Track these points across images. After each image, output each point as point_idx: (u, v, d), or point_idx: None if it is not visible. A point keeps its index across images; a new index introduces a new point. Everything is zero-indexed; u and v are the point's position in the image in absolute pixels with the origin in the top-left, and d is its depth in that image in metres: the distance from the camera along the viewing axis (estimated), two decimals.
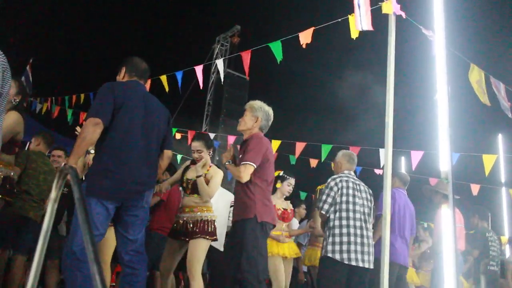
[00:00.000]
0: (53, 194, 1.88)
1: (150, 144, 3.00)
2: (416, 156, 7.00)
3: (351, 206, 3.82)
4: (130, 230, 2.88)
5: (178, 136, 9.11)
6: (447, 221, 3.05)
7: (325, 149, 7.22)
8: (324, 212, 3.88)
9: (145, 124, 2.98)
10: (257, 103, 3.69)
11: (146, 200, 2.97)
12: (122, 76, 3.20)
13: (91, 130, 2.72)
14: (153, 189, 3.13)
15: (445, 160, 3.01)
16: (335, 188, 3.90)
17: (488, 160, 6.54)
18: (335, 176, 4.04)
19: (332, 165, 4.49)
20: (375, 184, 4.94)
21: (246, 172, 3.37)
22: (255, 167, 3.39)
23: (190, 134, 8.91)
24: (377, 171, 8.40)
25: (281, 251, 4.80)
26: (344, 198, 3.85)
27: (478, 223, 5.93)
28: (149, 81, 6.43)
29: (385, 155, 3.52)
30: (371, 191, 4.10)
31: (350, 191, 3.88)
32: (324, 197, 3.91)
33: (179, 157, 9.42)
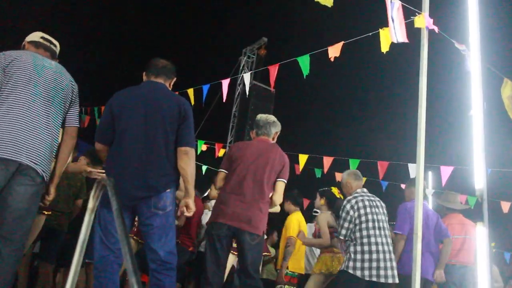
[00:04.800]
0: (91, 204, 1.91)
1: (156, 146, 2.84)
2: (446, 171, 6.85)
3: (370, 224, 3.84)
4: (149, 240, 2.82)
5: (204, 147, 9.17)
6: (482, 240, 2.97)
7: (353, 164, 7.13)
8: (342, 238, 3.94)
9: (147, 125, 2.86)
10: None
11: (155, 205, 2.79)
12: (144, 80, 3.17)
13: (97, 152, 3.05)
14: (165, 194, 2.83)
15: (480, 178, 2.94)
16: (352, 212, 3.92)
17: None
18: (349, 197, 4.05)
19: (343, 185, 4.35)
20: (401, 200, 4.86)
21: (216, 179, 3.58)
22: (225, 172, 3.51)
23: (217, 146, 8.97)
24: (404, 186, 8.24)
25: None
26: (363, 218, 3.86)
27: None
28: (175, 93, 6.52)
29: (417, 170, 3.46)
30: (383, 204, 4.07)
31: (368, 210, 3.91)
32: (341, 221, 3.96)
33: (204, 168, 9.41)
